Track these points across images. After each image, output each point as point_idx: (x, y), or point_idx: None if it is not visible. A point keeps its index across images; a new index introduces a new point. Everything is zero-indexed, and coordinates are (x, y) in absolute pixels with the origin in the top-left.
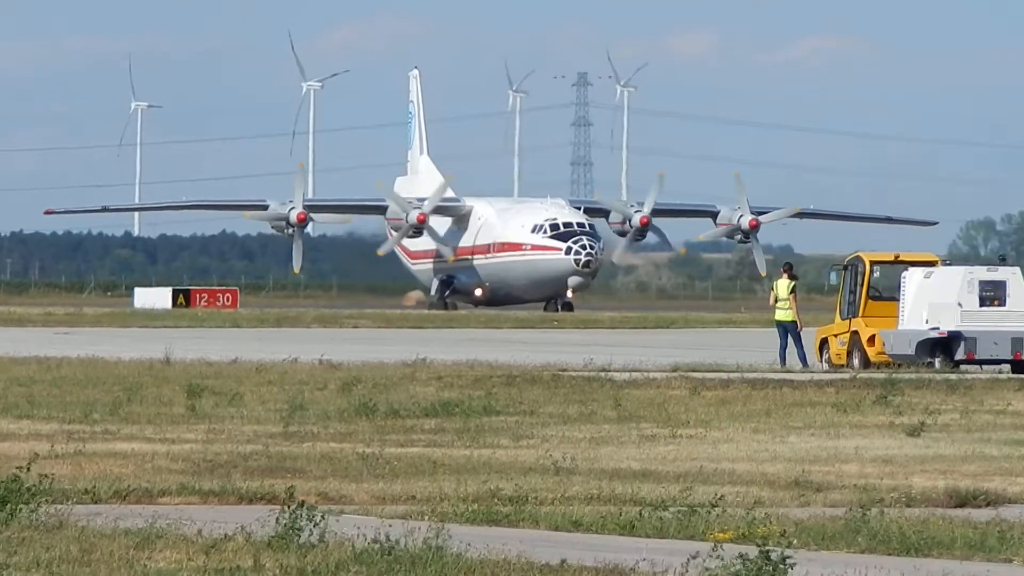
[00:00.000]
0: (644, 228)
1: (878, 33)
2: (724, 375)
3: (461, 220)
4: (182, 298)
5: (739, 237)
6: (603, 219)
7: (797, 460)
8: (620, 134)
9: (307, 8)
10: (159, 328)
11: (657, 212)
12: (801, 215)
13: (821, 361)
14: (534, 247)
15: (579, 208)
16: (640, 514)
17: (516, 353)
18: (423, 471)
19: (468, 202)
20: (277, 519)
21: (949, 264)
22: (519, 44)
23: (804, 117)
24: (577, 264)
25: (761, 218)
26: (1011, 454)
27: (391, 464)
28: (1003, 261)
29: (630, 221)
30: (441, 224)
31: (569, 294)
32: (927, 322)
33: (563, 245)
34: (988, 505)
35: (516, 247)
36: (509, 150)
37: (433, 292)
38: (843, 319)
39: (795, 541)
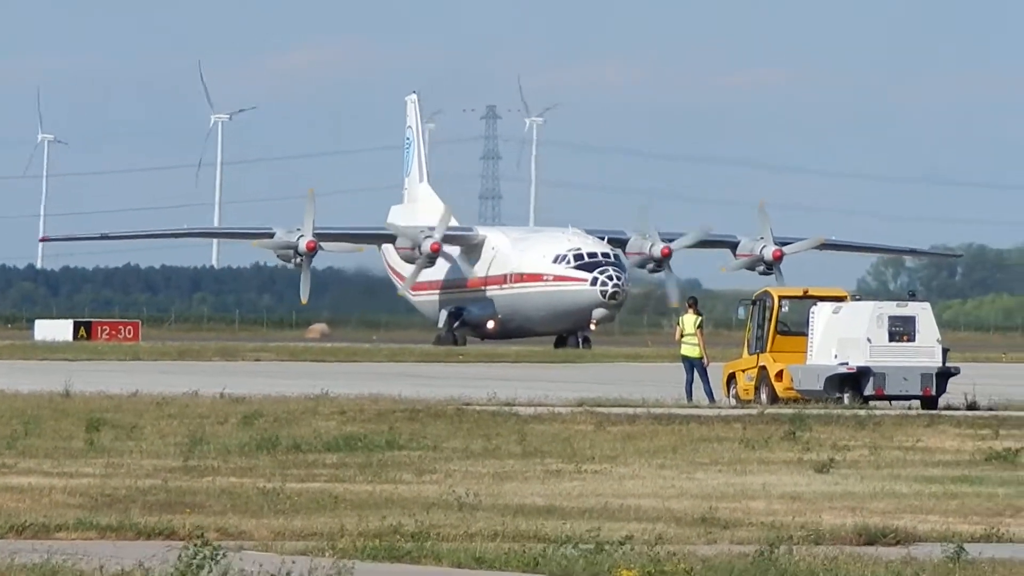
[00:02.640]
0: (664, 259)
1: (795, 64)
2: (630, 410)
3: (472, 250)
4: (83, 331)
5: (761, 268)
6: (619, 250)
7: (704, 496)
8: (529, 167)
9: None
10: (59, 360)
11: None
12: (824, 246)
13: (728, 396)
14: (557, 277)
15: (603, 238)
16: (544, 551)
17: (419, 387)
18: (324, 506)
19: (480, 231)
20: (180, 556)
21: (858, 299)
22: (427, 76)
23: (716, 148)
24: (604, 295)
25: (785, 249)
26: (921, 491)
27: (292, 499)
28: (912, 297)
29: (651, 252)
30: (452, 252)
31: (592, 326)
32: (836, 357)
33: (588, 276)
34: (898, 543)
35: (536, 278)
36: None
37: (440, 325)
38: (751, 354)
39: None
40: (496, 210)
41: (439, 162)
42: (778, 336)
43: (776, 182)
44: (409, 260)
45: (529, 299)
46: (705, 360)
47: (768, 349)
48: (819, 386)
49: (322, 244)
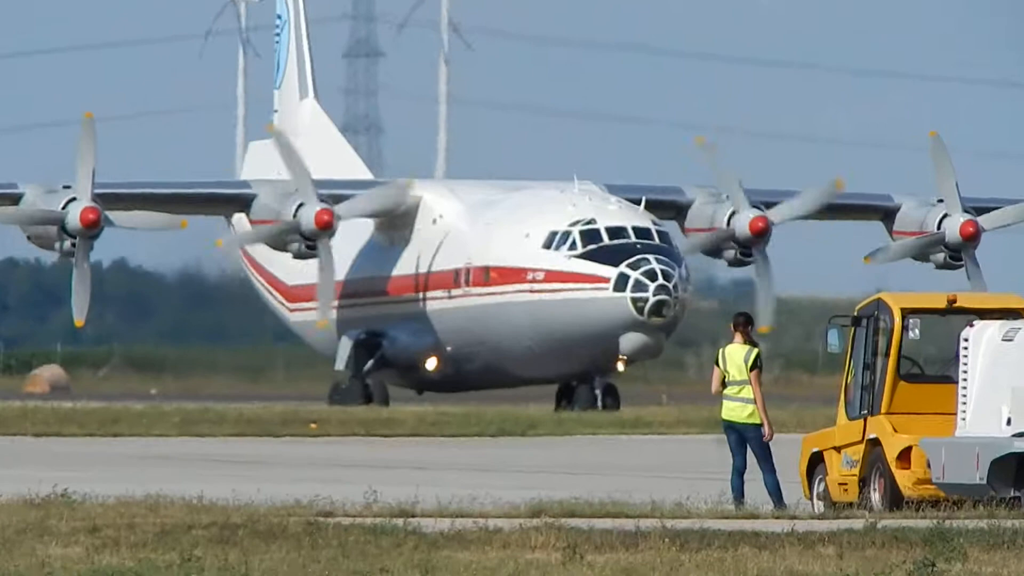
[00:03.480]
0: (760, 237)
1: None
2: (628, 523)
3: (398, 224)
4: None
5: (941, 257)
6: (672, 221)
7: None
8: (434, 74)
9: None
10: None
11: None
12: None
13: (811, 496)
14: (553, 276)
15: (638, 200)
16: None
17: (241, 481)
18: None
19: (411, 188)
20: None
21: None
22: None
23: (775, 41)
24: (640, 309)
25: (982, 220)
26: None
27: None
28: None
29: (731, 226)
30: (358, 231)
31: (620, 366)
32: (1009, 423)
33: (612, 271)
34: None
35: (514, 275)
36: (227, 102)
37: (341, 365)
38: (852, 417)
39: None
40: (374, 152)
41: (266, 64)
42: (902, 383)
43: (890, 102)
44: (280, 245)
45: (503, 316)
46: (766, 429)
47: (884, 409)
48: (979, 476)
49: (110, 215)
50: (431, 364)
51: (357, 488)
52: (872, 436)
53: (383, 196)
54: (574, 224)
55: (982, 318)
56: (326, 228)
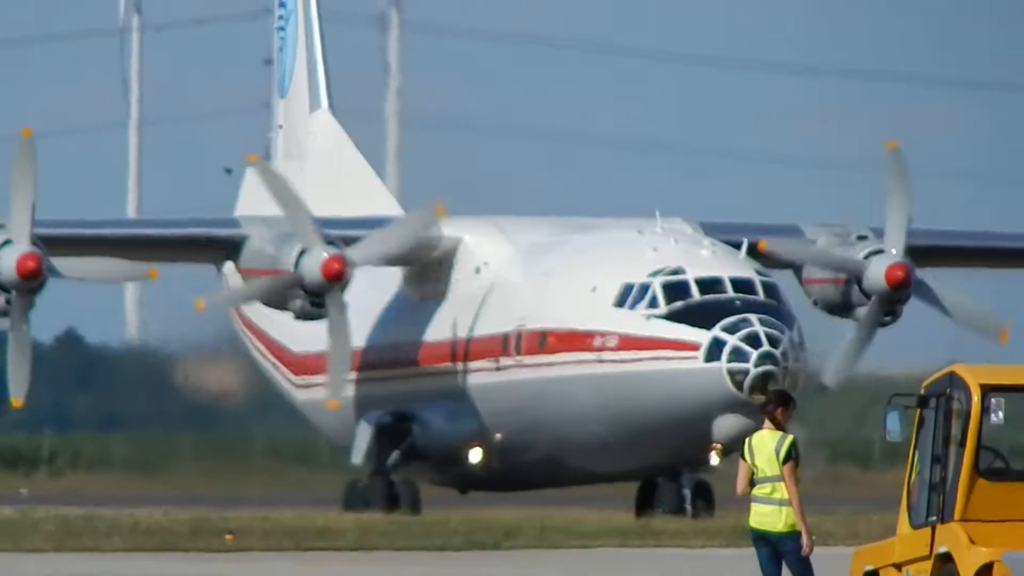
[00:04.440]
0: (901, 291)
1: None
2: None
3: (431, 274)
4: None
5: None
6: (786, 270)
7: None
8: (381, 86)
9: None
10: None
11: (924, 252)
12: None
13: None
14: (627, 342)
15: (738, 245)
16: None
17: None
18: None
19: (447, 228)
20: None
21: None
22: None
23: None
24: (739, 384)
25: None
26: None
27: None
28: None
29: (860, 279)
30: (381, 284)
31: (714, 457)
32: None
33: (704, 335)
34: None
35: (579, 341)
36: (119, 122)
37: (359, 457)
38: (917, 525)
39: None
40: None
41: (168, 73)
42: (981, 481)
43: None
44: (280, 302)
45: (565, 394)
46: (806, 540)
47: (959, 514)
48: None
49: (55, 263)
50: (475, 456)
51: None
52: (942, 550)
53: (403, 229)
54: (655, 274)
55: None
56: (336, 279)
